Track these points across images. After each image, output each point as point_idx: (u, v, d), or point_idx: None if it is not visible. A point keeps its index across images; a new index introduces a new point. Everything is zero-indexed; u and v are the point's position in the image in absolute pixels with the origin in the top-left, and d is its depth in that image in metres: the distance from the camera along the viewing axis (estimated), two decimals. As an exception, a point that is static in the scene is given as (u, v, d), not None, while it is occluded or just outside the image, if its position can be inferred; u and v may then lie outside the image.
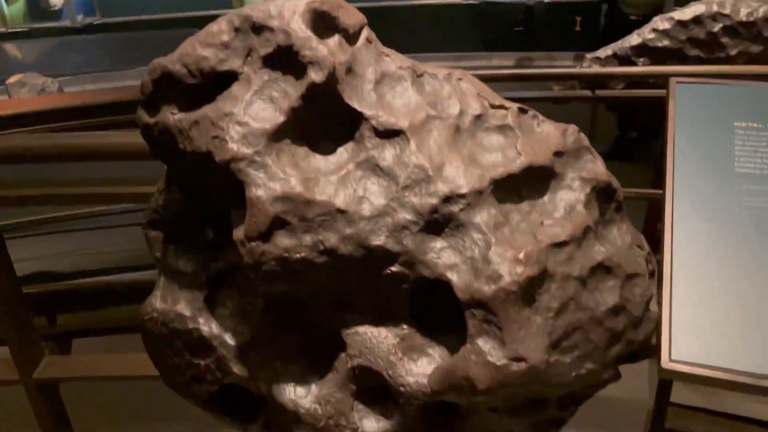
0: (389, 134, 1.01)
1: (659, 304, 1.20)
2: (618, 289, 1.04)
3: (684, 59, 3.17)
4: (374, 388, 1.04)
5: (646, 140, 4.33)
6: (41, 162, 1.78)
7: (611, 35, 3.79)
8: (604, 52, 3.43)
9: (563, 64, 6.21)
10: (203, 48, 1.02)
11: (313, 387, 1.08)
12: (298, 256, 0.97)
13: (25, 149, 1.72)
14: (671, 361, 1.16)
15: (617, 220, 1.12)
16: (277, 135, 0.99)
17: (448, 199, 0.98)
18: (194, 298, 1.13)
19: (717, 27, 3.11)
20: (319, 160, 1.02)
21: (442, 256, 0.98)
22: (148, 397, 2.34)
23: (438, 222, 0.98)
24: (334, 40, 1.01)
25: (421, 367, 1.00)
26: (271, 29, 1.00)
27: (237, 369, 1.11)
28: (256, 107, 0.99)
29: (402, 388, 0.99)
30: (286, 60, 1.00)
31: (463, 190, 0.98)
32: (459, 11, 7.12)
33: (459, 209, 0.98)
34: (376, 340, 1.02)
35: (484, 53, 7.00)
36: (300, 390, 1.08)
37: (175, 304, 1.14)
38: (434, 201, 0.98)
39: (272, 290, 1.02)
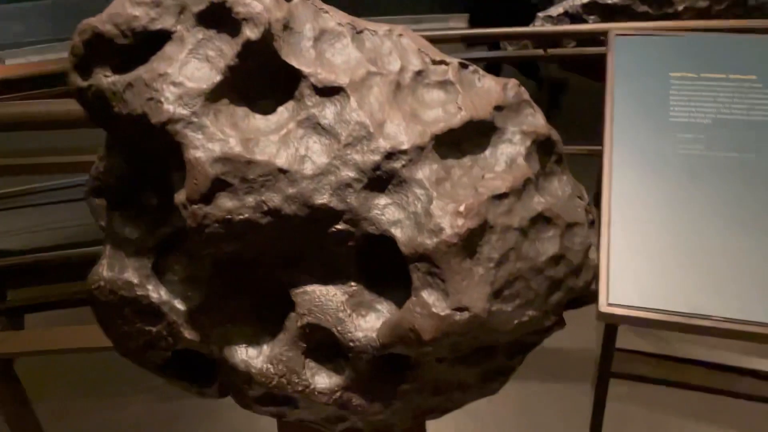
0: (329, 92, 1.01)
1: (598, 250, 1.23)
2: (558, 238, 1.06)
3: (633, 15, 3.23)
4: (325, 345, 1.05)
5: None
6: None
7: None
8: (556, 10, 3.47)
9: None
10: (133, 7, 0.99)
11: (265, 347, 1.08)
12: (241, 217, 0.96)
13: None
14: (609, 305, 1.20)
15: (558, 172, 1.15)
16: (214, 95, 0.97)
17: (390, 155, 0.98)
18: (142, 265, 1.12)
19: (664, -18, 3.18)
20: (259, 120, 1.01)
21: (386, 212, 0.99)
22: (113, 370, 2.32)
23: (381, 179, 0.99)
24: (270, -5, 0.99)
25: (369, 323, 1.02)
26: (203, -15, 0.98)
27: (188, 334, 1.11)
28: (191, 67, 0.97)
29: (351, 344, 1.01)
30: (220, 17, 0.98)
31: (405, 146, 0.99)
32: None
33: (401, 165, 0.98)
34: (324, 298, 1.03)
35: (440, 15, 6.94)
36: (252, 351, 1.08)
37: (122, 271, 1.12)
38: (376, 158, 0.98)
39: (217, 252, 1.01)
